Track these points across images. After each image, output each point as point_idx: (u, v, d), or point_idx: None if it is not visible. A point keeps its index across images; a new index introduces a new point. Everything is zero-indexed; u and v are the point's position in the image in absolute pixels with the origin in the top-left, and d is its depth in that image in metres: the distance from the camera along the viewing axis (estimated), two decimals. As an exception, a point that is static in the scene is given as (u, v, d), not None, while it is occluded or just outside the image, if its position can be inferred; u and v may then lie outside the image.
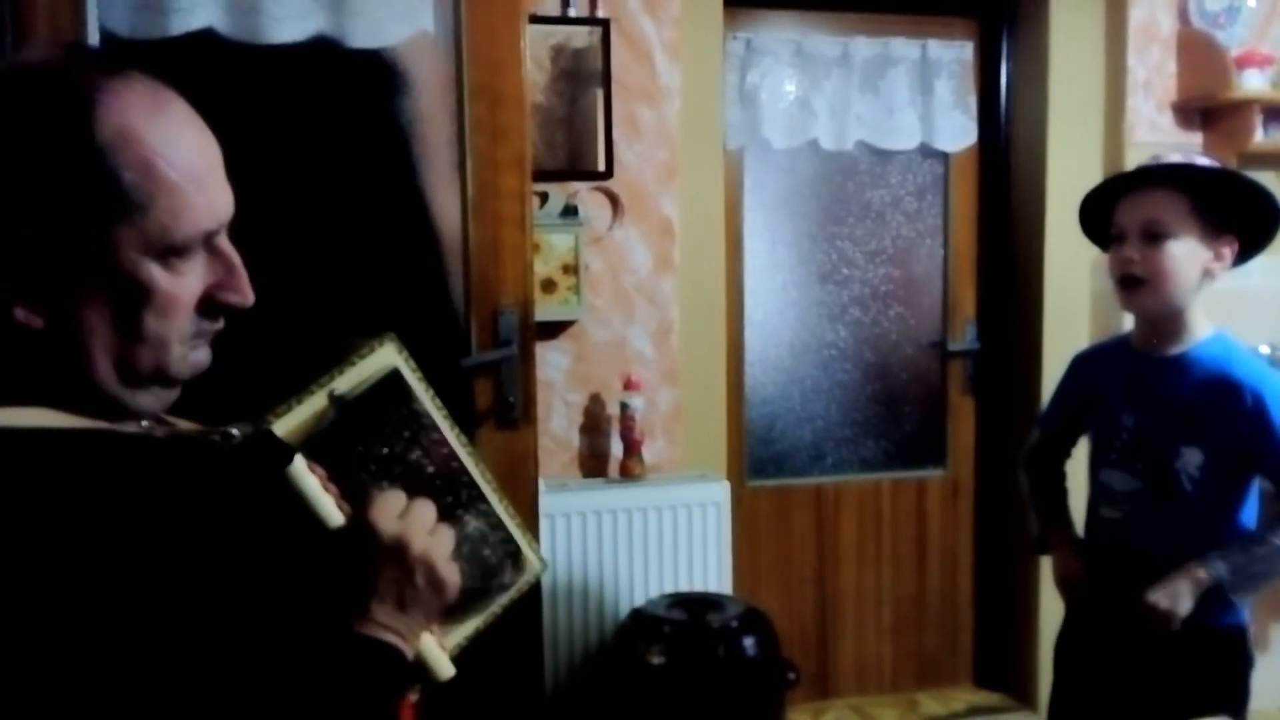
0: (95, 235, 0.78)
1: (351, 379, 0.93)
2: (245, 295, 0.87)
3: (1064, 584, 1.99)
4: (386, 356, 0.96)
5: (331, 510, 0.89)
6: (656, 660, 2.42)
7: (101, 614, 0.72)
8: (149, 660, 0.73)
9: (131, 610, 0.73)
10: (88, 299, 0.80)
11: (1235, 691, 1.83)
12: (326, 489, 0.90)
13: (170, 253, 0.81)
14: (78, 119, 0.77)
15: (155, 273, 0.81)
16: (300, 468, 0.87)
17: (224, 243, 0.86)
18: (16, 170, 0.77)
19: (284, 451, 0.87)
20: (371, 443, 0.94)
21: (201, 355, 0.88)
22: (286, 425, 0.90)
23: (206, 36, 2.03)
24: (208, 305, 0.86)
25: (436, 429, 0.99)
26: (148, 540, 0.76)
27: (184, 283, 0.83)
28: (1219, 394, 1.76)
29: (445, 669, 0.96)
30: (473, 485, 1.02)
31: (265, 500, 0.87)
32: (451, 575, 0.92)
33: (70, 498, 0.76)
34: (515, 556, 1.06)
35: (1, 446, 0.77)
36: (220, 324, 0.88)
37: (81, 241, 0.78)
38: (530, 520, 2.02)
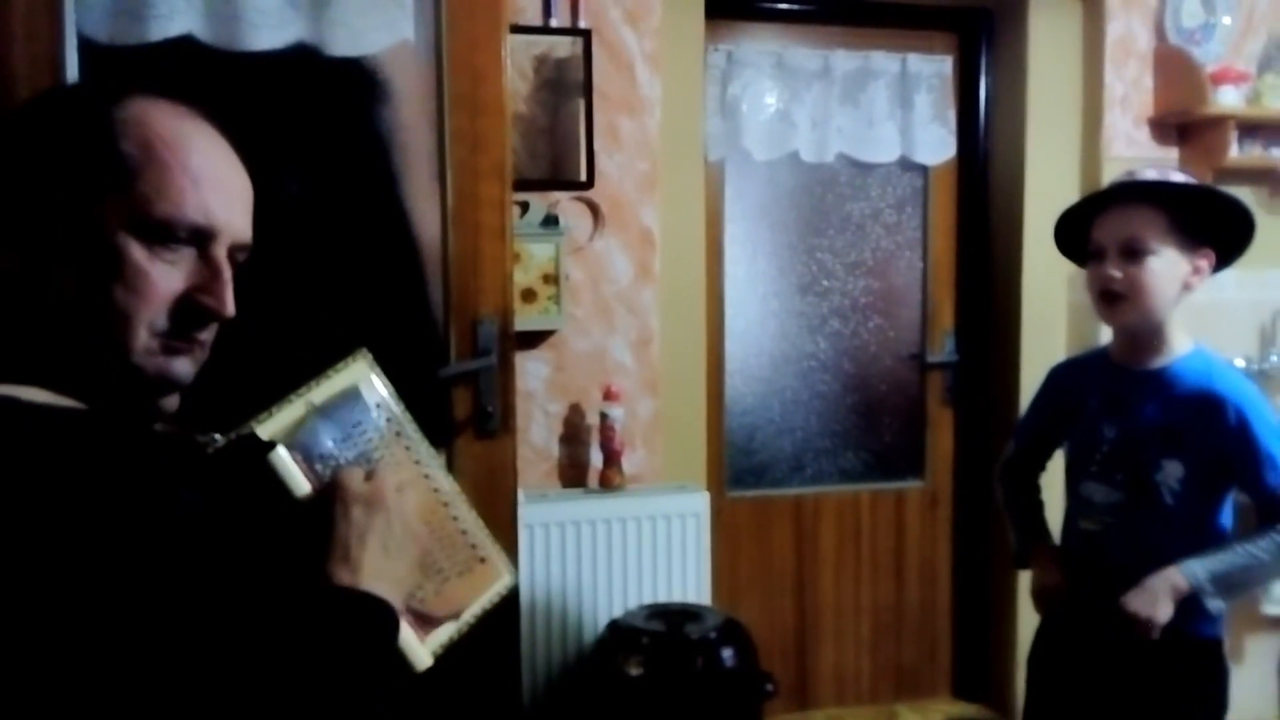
0: (86, 193, 0.84)
1: (327, 390, 0.99)
2: (223, 304, 0.89)
3: (1041, 596, 2.00)
4: (360, 369, 1.03)
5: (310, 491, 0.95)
6: (635, 672, 2.41)
7: (90, 586, 0.73)
8: (147, 629, 0.74)
9: (119, 580, 0.74)
10: (66, 255, 0.84)
11: (1213, 703, 1.84)
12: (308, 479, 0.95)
13: (151, 232, 0.85)
14: (109, 101, 0.87)
15: (132, 247, 0.84)
16: (283, 455, 0.93)
17: (219, 254, 0.90)
18: (42, 128, 0.87)
19: (265, 444, 0.93)
20: (345, 449, 0.98)
21: (181, 366, 0.89)
22: (267, 430, 0.94)
23: (186, 43, 2.01)
24: (187, 307, 0.87)
25: (408, 439, 1.04)
26: (137, 517, 0.78)
27: (162, 269, 0.86)
28: (1202, 409, 1.77)
29: (422, 659, 0.98)
30: (441, 493, 1.06)
31: (251, 486, 0.92)
32: (422, 530, 0.98)
33: (69, 473, 0.78)
34: (483, 563, 1.08)
35: (6, 415, 0.80)
36: (204, 336, 0.90)
37: (73, 196, 0.84)
38: (509, 531, 2.01)
